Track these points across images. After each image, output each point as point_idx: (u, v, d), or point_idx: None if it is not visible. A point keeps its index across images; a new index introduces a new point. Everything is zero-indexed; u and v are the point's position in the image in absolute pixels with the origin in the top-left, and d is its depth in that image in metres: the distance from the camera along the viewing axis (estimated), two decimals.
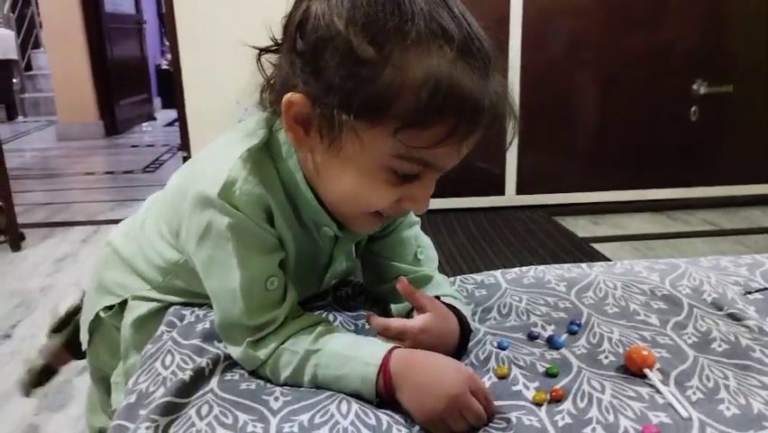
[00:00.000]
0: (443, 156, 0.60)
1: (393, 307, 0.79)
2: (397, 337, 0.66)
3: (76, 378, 1.49)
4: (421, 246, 0.81)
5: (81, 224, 2.73)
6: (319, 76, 0.58)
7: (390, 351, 0.62)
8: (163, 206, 0.78)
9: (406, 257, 0.80)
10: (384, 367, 0.61)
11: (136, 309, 0.80)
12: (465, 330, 0.72)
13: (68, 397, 1.43)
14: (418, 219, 0.83)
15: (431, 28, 0.55)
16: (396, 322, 0.68)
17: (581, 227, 2.61)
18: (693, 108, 2.78)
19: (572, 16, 2.67)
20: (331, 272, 0.78)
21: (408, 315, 0.76)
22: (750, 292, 0.82)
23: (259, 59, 0.66)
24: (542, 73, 2.69)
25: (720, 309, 0.79)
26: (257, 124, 0.68)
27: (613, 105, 2.81)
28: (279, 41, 0.64)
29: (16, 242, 2.39)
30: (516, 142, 2.46)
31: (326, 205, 0.68)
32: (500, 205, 2.79)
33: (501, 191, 2.81)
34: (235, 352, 0.67)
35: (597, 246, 2.34)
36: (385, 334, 0.67)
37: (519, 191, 2.82)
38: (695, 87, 2.76)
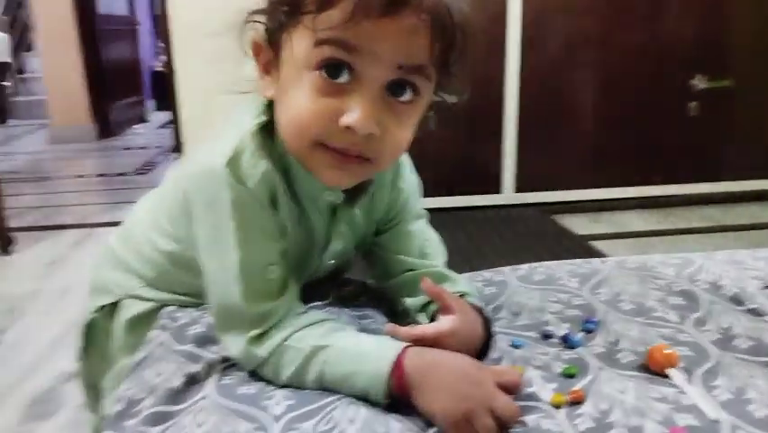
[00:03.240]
0: (364, 37, 0.54)
1: (408, 301, 0.75)
2: (432, 345, 0.61)
3: (63, 385, 1.45)
4: (427, 240, 0.78)
5: (73, 227, 2.68)
6: (266, 8, 0.61)
7: (404, 349, 0.59)
8: (160, 197, 0.77)
9: (411, 251, 0.76)
10: (398, 365, 0.57)
11: (128, 309, 0.77)
12: (488, 333, 0.68)
13: (56, 405, 1.39)
14: (425, 212, 0.80)
15: None
16: (429, 330, 0.62)
17: (580, 225, 2.58)
18: (692, 104, 2.76)
19: (571, 13, 2.64)
20: (329, 253, 0.74)
21: (423, 309, 0.73)
22: None
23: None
24: (540, 70, 2.66)
25: (741, 305, 0.75)
26: (257, 107, 0.65)
27: (612, 102, 2.78)
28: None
29: (6, 245, 2.34)
30: (514, 139, 2.43)
31: (289, 151, 0.63)
32: (498, 203, 2.76)
33: (499, 189, 2.78)
34: (234, 348, 0.63)
35: (596, 244, 2.31)
36: (419, 344, 0.61)
37: (517, 189, 2.78)
38: (694, 82, 2.73)
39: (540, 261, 0.92)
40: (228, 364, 0.64)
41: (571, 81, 2.74)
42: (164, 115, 5.79)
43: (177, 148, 3.03)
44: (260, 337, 0.62)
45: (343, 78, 0.56)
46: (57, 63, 4.62)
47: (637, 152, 2.84)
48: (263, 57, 0.63)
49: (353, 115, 0.56)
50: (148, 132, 5.37)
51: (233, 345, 0.63)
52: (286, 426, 0.55)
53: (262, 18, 0.62)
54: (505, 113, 2.68)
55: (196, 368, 0.62)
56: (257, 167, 0.62)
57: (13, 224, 2.45)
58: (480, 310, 0.69)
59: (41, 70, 4.93)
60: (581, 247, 2.27)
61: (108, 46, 4.93)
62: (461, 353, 0.61)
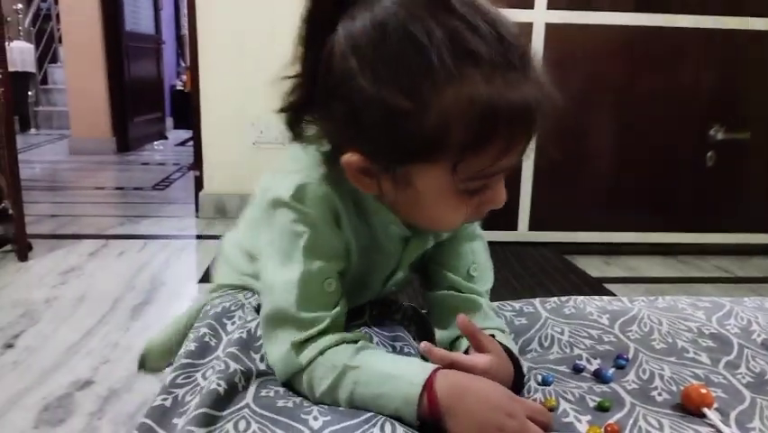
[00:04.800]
0: (507, 162, 0.58)
1: (439, 334, 0.76)
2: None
3: (77, 392, 1.45)
4: (476, 263, 0.79)
5: (89, 237, 2.71)
6: (366, 137, 0.58)
7: (435, 371, 0.59)
8: (250, 208, 0.82)
9: (459, 270, 0.77)
10: (429, 388, 0.58)
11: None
12: (518, 374, 0.68)
13: (69, 412, 1.39)
14: (480, 234, 0.81)
15: (457, 56, 0.53)
16: (463, 358, 0.63)
17: (593, 267, 2.58)
18: (709, 154, 2.77)
19: (592, 59, 2.68)
20: (394, 279, 0.77)
21: (452, 345, 0.73)
22: None
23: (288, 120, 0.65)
24: (559, 113, 2.69)
25: None
26: (321, 155, 0.66)
27: (629, 147, 2.80)
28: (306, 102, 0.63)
29: (24, 252, 2.36)
30: (530, 178, 2.45)
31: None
32: (512, 240, 2.76)
33: (514, 226, 2.79)
34: (277, 351, 0.64)
35: (608, 287, 2.30)
36: (452, 369, 0.61)
37: (531, 227, 2.79)
38: (712, 132, 2.75)
39: None
40: (265, 379, 0.65)
41: (590, 125, 2.77)
42: (182, 133, 5.89)
43: (195, 166, 3.07)
44: (303, 344, 0.63)
45: (483, 187, 0.61)
46: (81, 76, 4.71)
47: (652, 198, 2.85)
48: (363, 170, 0.61)
49: (494, 204, 0.63)
50: (166, 148, 5.45)
51: (277, 348, 0.64)
52: None
53: (363, 144, 0.59)
54: None
55: (235, 375, 0.62)
56: (321, 197, 0.64)
57: (30, 231, 2.47)
58: (509, 352, 0.69)
59: (65, 82, 5.02)
60: (596, 289, 2.26)
61: (132, 62, 5.03)
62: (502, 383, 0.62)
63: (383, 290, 0.79)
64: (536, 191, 2.74)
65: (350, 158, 0.60)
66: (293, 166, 0.67)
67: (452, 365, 0.61)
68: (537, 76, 0.58)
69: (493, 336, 0.70)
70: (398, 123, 0.55)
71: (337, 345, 0.63)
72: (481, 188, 0.60)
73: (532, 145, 0.61)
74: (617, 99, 2.74)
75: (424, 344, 0.63)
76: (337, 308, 0.66)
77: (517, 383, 0.67)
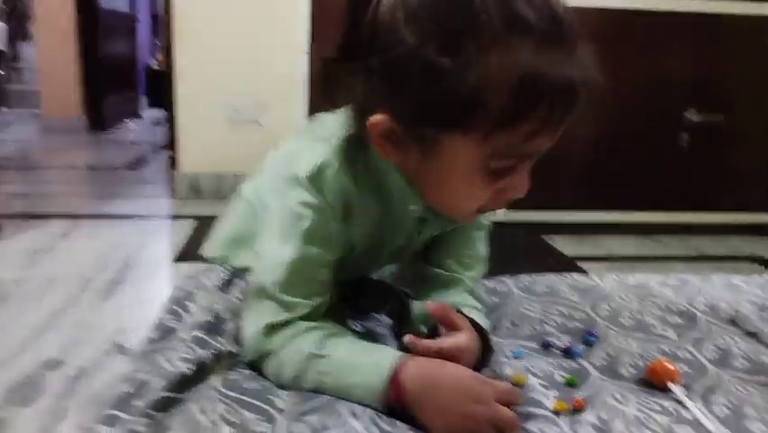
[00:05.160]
0: (540, 144, 0.56)
1: (416, 306, 0.75)
2: (448, 360, 0.61)
3: (46, 372, 1.43)
4: (473, 252, 0.78)
5: (61, 216, 2.65)
6: (399, 94, 0.55)
7: (401, 360, 0.58)
8: (266, 176, 0.79)
9: (455, 253, 0.77)
10: (396, 378, 0.57)
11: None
12: (485, 346, 0.68)
13: (36, 391, 1.36)
14: (486, 224, 0.80)
15: (506, 21, 0.51)
16: (446, 344, 0.62)
17: (567, 246, 2.60)
18: (684, 135, 2.80)
19: None
20: (407, 253, 0.76)
21: (425, 321, 0.73)
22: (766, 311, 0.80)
23: (327, 70, 0.62)
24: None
25: (738, 327, 0.77)
26: (348, 118, 0.64)
27: (605, 128, 2.81)
28: (346, 53, 0.60)
29: None
30: None
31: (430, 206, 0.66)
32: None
33: None
34: (249, 329, 0.64)
35: (581, 265, 2.33)
36: (435, 357, 0.61)
37: (509, 206, 2.80)
38: (687, 114, 2.78)
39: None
40: (234, 360, 0.64)
41: None
42: (156, 113, 5.78)
43: (169, 145, 3.02)
44: (274, 328, 0.62)
45: (510, 168, 0.58)
46: (53, 54, 4.60)
47: (627, 179, 2.88)
48: (388, 134, 0.58)
49: (518, 192, 0.61)
50: (140, 128, 5.34)
51: (253, 322, 0.64)
52: (292, 418, 0.55)
53: (395, 103, 0.56)
54: None
55: (204, 356, 0.62)
56: (337, 183, 0.63)
57: (0, 210, 2.42)
58: (478, 327, 0.69)
59: (37, 60, 4.89)
60: (569, 267, 2.28)
61: (106, 40, 4.91)
62: (471, 362, 0.62)
63: (389, 263, 0.78)
64: None
65: (377, 119, 0.57)
66: (320, 132, 0.65)
67: (437, 354, 0.61)
68: (584, 57, 0.55)
69: (461, 311, 0.70)
70: (436, 81, 0.52)
71: (306, 331, 0.63)
72: (508, 171, 0.58)
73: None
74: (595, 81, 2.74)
75: (409, 338, 0.62)
76: (318, 299, 0.65)
77: (485, 357, 0.67)
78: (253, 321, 0.64)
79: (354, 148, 0.63)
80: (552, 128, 0.55)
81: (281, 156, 0.73)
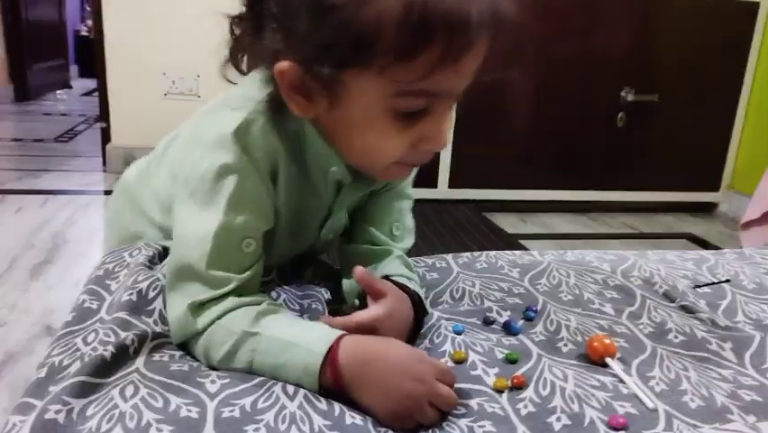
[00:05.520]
0: (445, 81, 0.55)
1: (345, 284, 0.73)
2: (369, 332, 0.59)
3: None
4: (400, 222, 0.76)
5: None
6: (296, 35, 0.54)
7: (338, 339, 0.56)
8: (177, 150, 0.75)
9: (382, 227, 0.75)
10: (332, 357, 0.55)
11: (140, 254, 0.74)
12: (418, 311, 0.67)
13: None
14: (410, 194, 0.80)
15: None
16: (365, 317, 0.61)
17: (509, 224, 2.64)
18: (620, 115, 2.86)
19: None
20: (328, 226, 0.73)
21: (361, 296, 0.70)
22: (699, 286, 0.82)
23: (231, 26, 0.62)
24: (477, 75, 2.69)
25: (672, 301, 0.78)
26: (265, 79, 0.62)
27: (545, 108, 2.85)
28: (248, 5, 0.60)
29: None
30: (450, 137, 2.43)
31: (350, 163, 0.64)
32: (432, 198, 2.78)
33: (434, 184, 2.80)
34: (174, 310, 0.60)
35: (523, 243, 2.36)
36: (356, 332, 0.59)
37: (451, 185, 2.82)
38: (623, 94, 2.84)
39: None
40: (160, 341, 0.60)
41: (507, 85, 2.79)
42: (88, 82, 5.52)
43: (102, 117, 2.88)
44: (200, 307, 0.59)
45: (420, 114, 0.57)
46: None
47: (565, 158, 2.93)
48: (293, 83, 0.58)
49: (433, 141, 0.59)
50: (70, 98, 5.09)
51: (177, 304, 0.60)
52: (223, 401, 0.52)
53: (295, 47, 0.56)
54: None
55: (126, 338, 0.58)
56: (264, 140, 0.61)
57: None
58: (404, 288, 0.68)
59: None
60: (511, 245, 2.31)
61: (30, 5, 4.64)
62: (392, 333, 0.61)
63: (320, 239, 0.75)
64: (456, 150, 2.75)
65: (282, 66, 0.56)
66: (236, 103, 0.62)
67: (356, 329, 0.59)
68: None
69: (388, 277, 0.69)
70: (327, 16, 0.51)
71: (237, 308, 0.59)
72: (419, 116, 0.57)
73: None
74: (534, 62, 2.76)
75: (324, 318, 0.61)
76: (248, 272, 0.61)
77: (419, 323, 0.67)
78: (178, 302, 0.60)
79: (273, 110, 0.61)
80: (450, 62, 0.52)
81: (191, 130, 0.68)
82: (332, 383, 0.55)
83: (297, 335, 0.57)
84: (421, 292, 0.71)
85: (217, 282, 0.59)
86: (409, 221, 0.79)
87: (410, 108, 0.56)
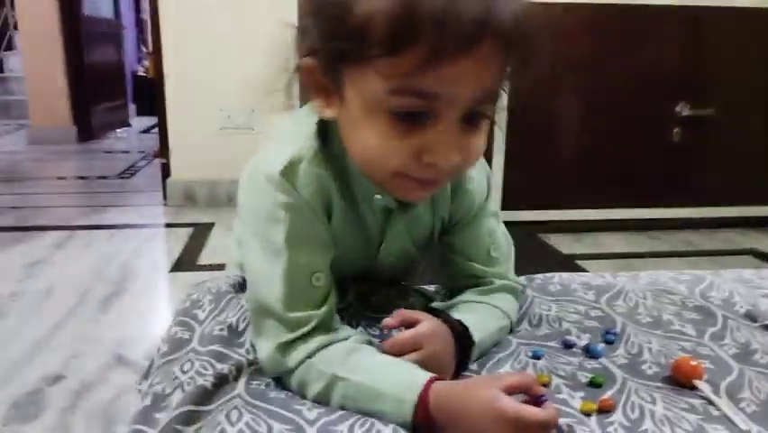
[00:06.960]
0: (440, 84, 0.52)
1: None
2: (413, 348, 0.61)
3: (48, 387, 1.41)
4: (495, 243, 0.76)
5: (54, 228, 2.63)
6: (312, 34, 0.58)
7: (428, 384, 0.56)
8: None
9: (479, 256, 0.75)
10: (423, 407, 0.55)
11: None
12: (464, 340, 0.66)
13: (39, 407, 1.35)
14: (495, 211, 0.78)
15: None
16: (406, 334, 0.62)
17: (563, 244, 2.61)
18: (676, 130, 2.82)
19: (559, 40, 2.69)
20: (384, 251, 0.73)
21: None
22: None
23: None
24: (529, 93, 2.69)
25: (754, 321, 0.76)
26: (312, 111, 0.64)
27: (598, 126, 2.83)
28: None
29: None
30: (502, 158, 2.42)
31: (362, 173, 0.64)
32: None
33: None
34: (263, 350, 0.62)
35: (579, 264, 2.33)
36: (401, 351, 0.61)
37: (504, 207, 2.81)
38: (678, 108, 2.79)
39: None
40: (256, 368, 0.63)
41: (559, 105, 2.79)
42: (145, 120, 5.75)
43: (162, 153, 3.00)
44: (288, 345, 0.61)
45: (420, 119, 0.55)
46: (39, 63, 4.55)
47: (621, 175, 2.89)
48: (315, 80, 0.59)
49: (436, 154, 0.55)
50: (130, 136, 5.31)
51: (264, 344, 0.62)
52: (322, 428, 0.54)
53: (314, 43, 0.58)
54: (494, 133, 2.71)
55: (224, 369, 0.61)
56: (313, 176, 0.62)
57: None
58: (446, 320, 0.66)
59: (22, 69, 4.84)
60: (569, 267, 2.29)
61: (92, 48, 4.88)
62: (444, 351, 0.62)
63: (380, 263, 0.75)
64: (508, 171, 2.75)
65: (303, 61, 0.59)
66: (285, 138, 0.64)
67: (401, 347, 0.61)
68: None
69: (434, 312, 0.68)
70: (328, 11, 0.55)
71: (326, 346, 0.61)
72: (419, 120, 0.55)
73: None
74: (585, 78, 2.75)
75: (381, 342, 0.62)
76: (325, 307, 0.63)
77: (466, 353, 0.66)
78: (264, 342, 0.62)
79: (323, 139, 0.63)
80: (442, 61, 0.50)
81: (247, 169, 0.69)
82: (423, 423, 0.55)
83: (387, 381, 0.57)
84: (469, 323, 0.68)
85: (298, 323, 0.61)
86: (502, 235, 0.78)
87: (404, 108, 0.54)
